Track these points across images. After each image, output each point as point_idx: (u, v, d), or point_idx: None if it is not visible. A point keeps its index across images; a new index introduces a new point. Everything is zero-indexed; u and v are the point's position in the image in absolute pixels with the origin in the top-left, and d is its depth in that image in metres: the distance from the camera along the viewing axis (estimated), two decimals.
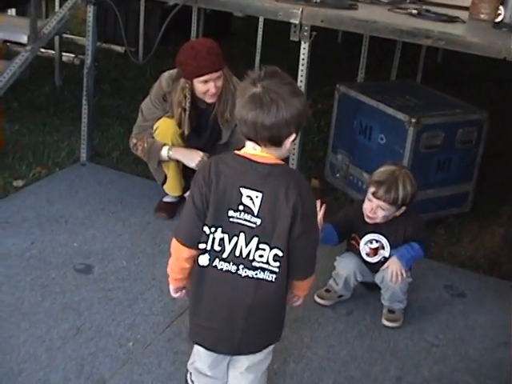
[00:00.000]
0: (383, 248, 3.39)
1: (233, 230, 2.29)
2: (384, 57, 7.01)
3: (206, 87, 3.85)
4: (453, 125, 4.31)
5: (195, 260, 2.37)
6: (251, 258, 2.29)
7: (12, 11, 7.07)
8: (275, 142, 2.25)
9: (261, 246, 2.28)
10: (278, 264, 2.29)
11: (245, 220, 2.28)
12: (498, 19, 4.01)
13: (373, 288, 3.51)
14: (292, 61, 4.07)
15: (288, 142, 2.27)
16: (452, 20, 4.13)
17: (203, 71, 3.82)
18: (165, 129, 4.01)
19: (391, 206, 3.27)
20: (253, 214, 2.27)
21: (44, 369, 2.89)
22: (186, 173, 4.25)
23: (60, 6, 5.79)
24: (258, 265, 2.30)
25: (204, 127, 4.09)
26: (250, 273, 2.30)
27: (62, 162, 4.80)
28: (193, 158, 3.98)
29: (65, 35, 7.00)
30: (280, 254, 2.28)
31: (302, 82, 4.05)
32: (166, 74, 4.05)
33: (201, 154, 3.98)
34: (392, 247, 3.37)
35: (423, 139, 4.17)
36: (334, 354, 3.18)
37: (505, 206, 4.78)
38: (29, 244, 3.76)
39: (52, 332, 3.11)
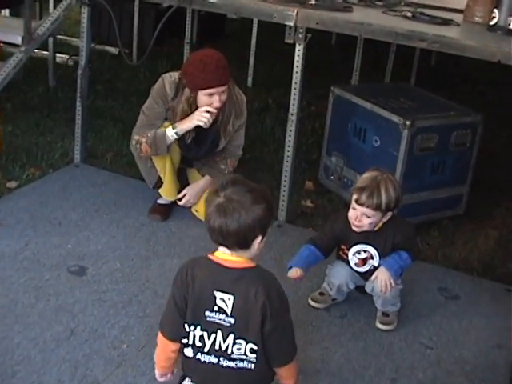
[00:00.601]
0: (372, 258, 3.38)
1: (210, 327, 2.49)
2: (378, 59, 7.02)
3: (211, 100, 3.83)
4: (447, 127, 4.31)
5: (180, 350, 2.59)
6: (229, 351, 2.49)
7: (5, 12, 7.05)
8: (242, 245, 2.43)
9: (237, 341, 2.48)
10: (254, 355, 2.49)
11: (220, 319, 2.47)
12: (493, 22, 4.01)
13: (366, 292, 3.50)
14: (286, 63, 4.08)
15: (256, 244, 2.44)
16: (446, 23, 4.14)
17: (210, 84, 3.80)
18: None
19: (376, 212, 3.22)
20: (227, 315, 2.46)
21: (38, 371, 2.88)
22: (180, 175, 4.25)
23: (54, 7, 5.81)
24: (236, 357, 2.49)
25: (205, 137, 4.06)
26: (230, 363, 2.50)
27: (55, 164, 4.79)
28: (193, 117, 3.89)
29: (58, 36, 7.00)
30: (255, 347, 2.47)
31: (296, 83, 4.05)
32: (168, 77, 4.00)
33: (201, 111, 3.89)
34: (381, 256, 3.35)
35: (417, 142, 4.17)
36: (329, 357, 3.18)
37: (499, 209, 4.80)
38: (22, 246, 3.75)
39: (46, 334, 3.10)
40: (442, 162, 4.35)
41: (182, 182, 4.29)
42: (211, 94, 3.82)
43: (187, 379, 2.63)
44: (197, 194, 4.19)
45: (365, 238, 3.34)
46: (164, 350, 2.61)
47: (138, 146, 4.00)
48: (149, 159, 4.09)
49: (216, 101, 3.83)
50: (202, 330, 2.50)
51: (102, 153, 5.06)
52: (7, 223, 3.95)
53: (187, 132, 3.96)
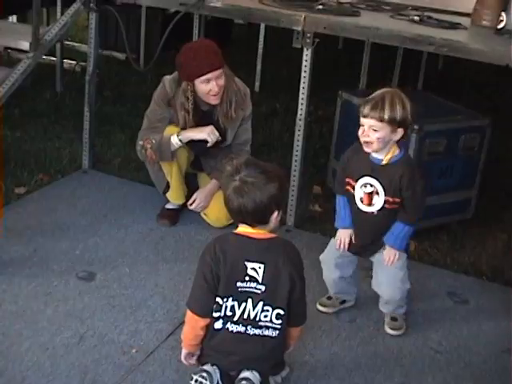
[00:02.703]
0: (377, 193, 3.21)
1: (242, 297, 2.68)
2: (385, 63, 7.01)
3: (209, 87, 3.85)
4: (455, 131, 4.30)
5: (208, 326, 2.75)
6: (257, 318, 2.70)
7: (13, 18, 7.08)
8: (262, 221, 2.68)
9: (265, 308, 2.69)
10: (280, 321, 2.72)
11: (251, 288, 2.68)
12: (501, 25, 4.01)
13: (362, 254, 3.43)
14: (293, 67, 4.08)
15: (273, 218, 2.68)
16: (454, 26, 4.14)
17: (204, 70, 3.82)
18: (169, 133, 4.00)
19: (381, 124, 3.07)
20: (258, 282, 2.68)
21: (47, 377, 2.88)
22: (188, 180, 4.25)
23: (62, 13, 5.82)
24: (263, 324, 2.71)
25: (206, 124, 4.05)
26: (257, 331, 2.71)
27: (63, 169, 4.80)
28: (203, 132, 3.95)
29: (66, 42, 7.02)
30: (282, 312, 2.71)
31: (304, 88, 4.05)
32: (168, 78, 4.04)
33: (209, 127, 3.96)
34: (387, 194, 3.20)
35: (426, 146, 4.16)
36: (338, 362, 3.18)
37: (507, 212, 4.78)
38: (31, 251, 3.75)
39: (55, 340, 3.11)
40: (451, 166, 4.33)
41: (193, 187, 4.30)
42: (208, 80, 3.84)
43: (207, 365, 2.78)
44: (206, 198, 4.20)
45: (372, 171, 3.21)
46: (193, 327, 2.76)
47: (142, 151, 4.02)
48: (156, 163, 4.10)
49: (214, 86, 3.85)
50: (233, 300, 2.68)
51: (110, 158, 5.07)
52: (16, 229, 3.95)
53: (193, 124, 3.97)
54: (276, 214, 2.68)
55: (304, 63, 4.00)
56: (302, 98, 4.08)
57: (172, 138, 3.95)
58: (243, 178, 2.62)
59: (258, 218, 2.66)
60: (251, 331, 2.71)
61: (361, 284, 3.60)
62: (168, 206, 4.29)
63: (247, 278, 2.67)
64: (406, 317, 3.48)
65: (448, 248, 4.27)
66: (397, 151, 3.18)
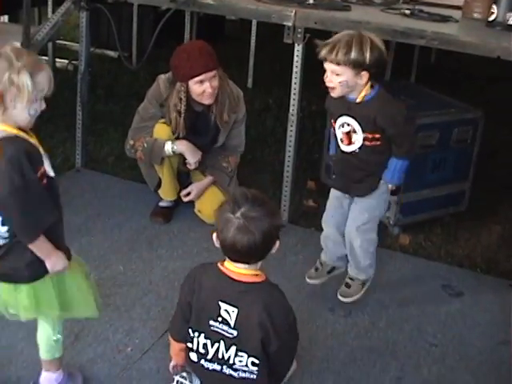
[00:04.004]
0: (355, 132, 3.18)
1: (214, 336, 2.52)
2: None
3: (202, 88, 3.85)
4: (448, 124, 4.30)
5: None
6: (231, 362, 2.53)
7: (4, 18, 7.05)
8: (264, 256, 2.49)
9: (239, 353, 2.51)
10: (256, 368, 2.52)
11: (223, 330, 2.50)
12: (491, 18, 4.00)
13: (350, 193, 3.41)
14: (286, 63, 4.07)
15: (274, 249, 2.49)
16: (445, 19, 4.13)
17: (197, 71, 3.82)
18: (160, 133, 4.00)
19: (342, 68, 3.01)
20: (230, 326, 2.49)
21: None
22: (180, 176, 4.25)
23: (53, 12, 5.80)
24: (238, 367, 2.53)
25: (202, 131, 4.08)
26: (233, 373, 2.54)
27: (57, 169, 4.73)
28: (194, 155, 4.01)
29: (58, 41, 7.00)
30: (256, 361, 2.50)
31: (296, 83, 4.05)
32: (162, 77, 4.04)
33: (200, 153, 4.02)
34: (364, 131, 3.15)
35: (418, 139, 4.14)
36: (333, 356, 3.18)
37: (501, 204, 4.79)
38: None
39: None
40: (444, 158, 4.34)
41: (185, 184, 4.30)
42: (201, 82, 3.84)
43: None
44: (201, 191, 4.20)
45: (347, 109, 3.18)
46: (173, 347, 2.72)
47: (132, 150, 4.04)
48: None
49: (208, 87, 3.85)
50: (205, 337, 2.54)
51: (104, 157, 5.06)
52: None
53: (184, 125, 3.99)
54: (277, 244, 2.49)
55: (295, 58, 4.00)
56: (294, 94, 4.08)
57: (166, 145, 3.97)
58: (246, 214, 2.39)
59: (264, 253, 2.47)
60: (227, 371, 2.55)
61: None
62: (161, 204, 4.29)
63: (220, 319, 2.50)
64: (363, 284, 3.48)
65: (442, 241, 4.28)
66: (370, 90, 3.14)
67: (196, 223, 4.21)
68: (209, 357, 2.56)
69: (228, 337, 2.50)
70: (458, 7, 4.48)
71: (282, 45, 4.03)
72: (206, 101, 3.91)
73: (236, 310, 2.47)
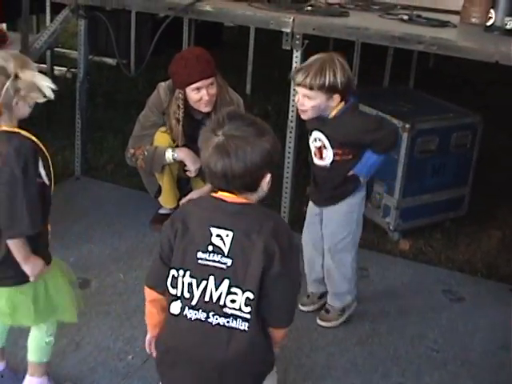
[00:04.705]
0: (325, 147, 3.21)
1: (202, 273, 2.13)
2: (376, 63, 7.01)
3: (199, 95, 3.84)
4: (447, 129, 4.31)
5: (165, 308, 2.24)
6: (222, 303, 2.12)
7: (3, 26, 7.04)
8: (250, 187, 2.16)
9: (232, 289, 2.12)
10: (249, 309, 2.11)
11: (214, 262, 2.12)
12: (489, 23, 4.00)
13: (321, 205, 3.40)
14: (284, 69, 4.06)
15: (264, 184, 2.18)
16: (443, 25, 4.14)
17: (194, 79, 3.81)
18: (160, 141, 4.00)
19: (314, 93, 3.05)
20: (223, 254, 2.12)
21: None
22: (180, 183, 4.25)
23: (51, 21, 5.79)
24: (229, 311, 2.12)
25: (198, 133, 4.05)
26: (222, 320, 2.13)
27: (56, 177, 4.76)
28: (195, 162, 3.96)
29: (56, 49, 6.99)
30: (251, 296, 2.10)
31: (294, 90, 4.04)
32: (163, 84, 4.03)
33: (200, 161, 3.96)
34: (332, 146, 3.18)
35: (418, 144, 4.17)
36: (335, 362, 3.18)
37: (501, 209, 4.79)
38: None
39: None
40: (443, 163, 4.34)
41: (186, 192, 4.30)
42: (198, 89, 3.83)
43: None
44: None
45: (319, 125, 3.20)
46: (150, 302, 2.31)
47: (133, 159, 4.04)
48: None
49: (205, 94, 3.84)
50: (191, 276, 2.14)
51: (103, 165, 5.07)
52: None
53: (183, 133, 3.98)
54: (268, 178, 2.16)
55: (294, 65, 3.99)
56: (293, 100, 4.07)
57: (167, 152, 3.97)
58: (228, 132, 2.09)
59: (246, 182, 2.12)
60: (214, 319, 2.12)
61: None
62: (161, 211, 4.28)
63: (210, 248, 2.12)
64: (342, 312, 3.46)
65: (442, 246, 4.27)
66: (342, 105, 3.15)
67: None
68: (193, 302, 2.14)
69: (220, 268, 2.11)
70: (456, 12, 4.50)
71: (281, 51, 4.03)
72: (204, 108, 3.90)
73: (231, 234, 2.11)
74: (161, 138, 4.01)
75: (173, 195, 4.20)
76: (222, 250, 2.12)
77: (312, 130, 3.26)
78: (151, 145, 4.02)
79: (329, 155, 3.22)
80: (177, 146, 4.01)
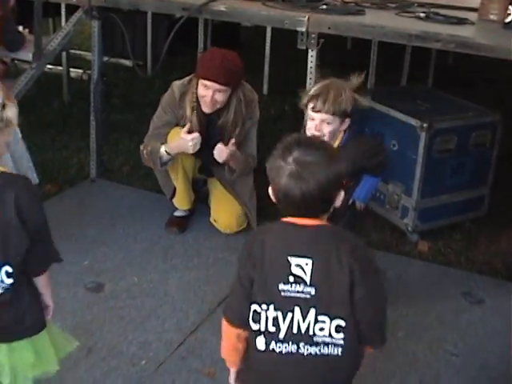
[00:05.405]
0: None
1: (286, 305, 2.09)
2: (394, 61, 6.94)
3: (205, 93, 3.81)
4: (466, 128, 4.24)
5: (248, 341, 2.20)
6: (311, 332, 2.08)
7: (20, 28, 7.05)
8: (327, 209, 2.14)
9: (320, 317, 2.08)
10: (341, 336, 2.08)
11: (297, 292, 2.08)
12: (508, 19, 3.94)
13: None
14: (301, 69, 4.02)
15: (338, 200, 2.15)
16: (461, 22, 4.07)
17: (207, 75, 3.79)
18: (174, 136, 3.96)
19: (334, 117, 3.12)
20: (305, 284, 2.08)
21: None
22: (196, 185, 4.21)
23: (66, 22, 5.79)
24: (319, 339, 2.09)
25: (212, 134, 4.00)
26: (313, 349, 2.09)
27: (72, 179, 4.77)
28: (186, 146, 3.84)
29: (73, 51, 7.00)
30: (342, 324, 2.07)
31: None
32: (177, 83, 4.01)
33: (188, 137, 3.82)
34: None
35: (436, 144, 4.10)
36: None
37: None
38: None
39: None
40: (462, 163, 4.27)
41: (202, 192, 4.27)
42: (206, 87, 3.80)
43: None
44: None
45: None
46: (229, 338, 2.25)
47: (143, 156, 4.03)
48: (162, 168, 4.06)
49: (208, 95, 3.80)
50: (275, 309, 2.10)
51: (119, 166, 5.03)
52: None
53: (197, 122, 3.92)
54: (342, 194, 2.13)
55: (309, 64, 3.94)
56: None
57: (161, 147, 3.93)
58: (300, 159, 2.06)
59: (324, 204, 2.11)
60: (305, 350, 2.09)
61: None
62: (176, 214, 4.25)
63: (291, 279, 2.07)
64: None
65: (462, 247, 4.20)
66: (343, 135, 3.23)
67: (211, 233, 4.16)
68: (281, 335, 2.10)
69: (305, 298, 2.07)
70: (474, 9, 4.42)
71: (297, 51, 3.98)
72: (203, 107, 3.86)
73: (310, 262, 2.07)
74: (174, 133, 3.97)
75: (187, 197, 4.17)
76: (303, 280, 2.08)
77: None
78: (165, 142, 3.98)
79: None
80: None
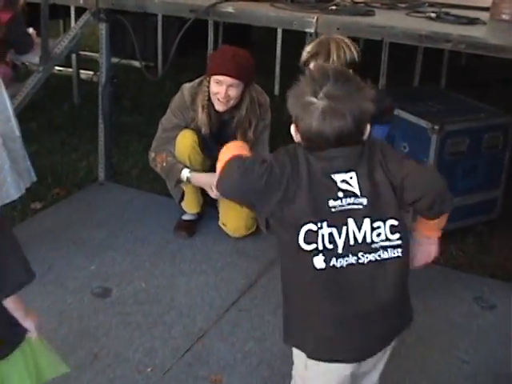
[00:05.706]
0: None
1: (339, 220, 2.11)
2: (406, 62, 6.89)
3: (218, 89, 3.78)
4: (478, 130, 4.19)
5: (300, 265, 2.16)
6: (369, 240, 2.12)
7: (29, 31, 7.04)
8: (359, 140, 2.15)
9: (375, 224, 2.12)
10: (397, 235, 2.14)
11: (349, 204, 2.11)
12: None
13: None
14: None
15: (367, 132, 2.16)
16: (472, 22, 4.02)
17: (219, 71, 3.76)
18: (183, 141, 3.94)
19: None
20: (356, 196, 2.12)
21: None
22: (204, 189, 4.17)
23: (74, 25, 5.76)
24: (377, 245, 2.13)
25: (223, 134, 3.97)
26: (373, 256, 2.13)
27: (80, 182, 4.75)
28: (211, 184, 3.72)
29: (83, 52, 6.99)
30: (395, 223, 2.14)
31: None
32: (187, 85, 3.98)
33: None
34: None
35: (447, 146, 4.05)
36: None
37: None
38: (46, 269, 3.68)
39: (68, 360, 2.94)
40: (474, 165, 4.22)
41: (206, 195, 4.23)
42: (219, 83, 3.77)
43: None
44: None
45: None
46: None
47: (153, 163, 4.00)
48: None
49: (222, 91, 3.77)
50: (329, 225, 2.10)
51: (128, 169, 5.01)
52: (31, 246, 3.88)
53: (207, 122, 3.90)
54: (369, 127, 2.15)
55: None
56: None
57: (184, 171, 3.91)
58: (331, 93, 2.04)
59: (358, 136, 2.12)
60: (365, 258, 2.11)
61: None
62: (185, 217, 4.21)
63: (341, 195, 2.10)
64: None
65: (474, 250, 4.14)
66: None
67: (220, 237, 4.12)
68: (339, 250, 2.11)
69: (358, 209, 2.11)
70: (485, 9, 4.37)
71: None
72: (217, 105, 3.83)
73: (354, 174, 2.12)
74: (183, 138, 3.93)
75: (196, 200, 4.13)
76: (353, 193, 2.12)
77: None
78: (174, 146, 3.95)
79: None
80: (201, 145, 3.92)
